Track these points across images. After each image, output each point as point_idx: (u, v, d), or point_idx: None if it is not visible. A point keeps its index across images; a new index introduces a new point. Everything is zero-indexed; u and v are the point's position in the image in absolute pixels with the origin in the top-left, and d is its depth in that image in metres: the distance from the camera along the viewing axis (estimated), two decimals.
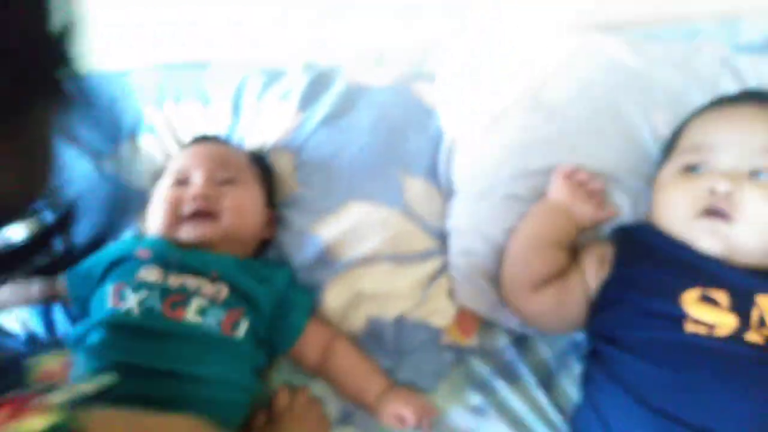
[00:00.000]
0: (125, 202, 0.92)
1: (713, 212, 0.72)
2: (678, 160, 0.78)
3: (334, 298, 0.85)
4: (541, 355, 0.84)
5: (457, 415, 0.79)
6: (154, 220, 0.86)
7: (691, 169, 0.76)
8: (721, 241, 0.71)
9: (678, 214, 0.75)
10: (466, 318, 0.87)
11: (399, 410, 0.77)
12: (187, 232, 0.82)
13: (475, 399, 0.81)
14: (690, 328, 0.67)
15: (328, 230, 0.89)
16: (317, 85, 1.05)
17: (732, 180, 0.71)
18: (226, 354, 0.76)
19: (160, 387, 0.72)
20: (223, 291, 0.78)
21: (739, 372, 0.64)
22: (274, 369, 0.84)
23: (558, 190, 0.84)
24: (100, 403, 0.58)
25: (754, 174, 0.72)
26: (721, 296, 0.68)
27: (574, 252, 0.83)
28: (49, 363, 0.57)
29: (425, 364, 0.84)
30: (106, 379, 0.62)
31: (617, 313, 0.73)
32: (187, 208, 0.83)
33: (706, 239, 0.72)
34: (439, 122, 1.03)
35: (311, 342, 0.82)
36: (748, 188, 0.71)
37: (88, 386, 0.60)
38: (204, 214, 0.83)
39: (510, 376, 0.83)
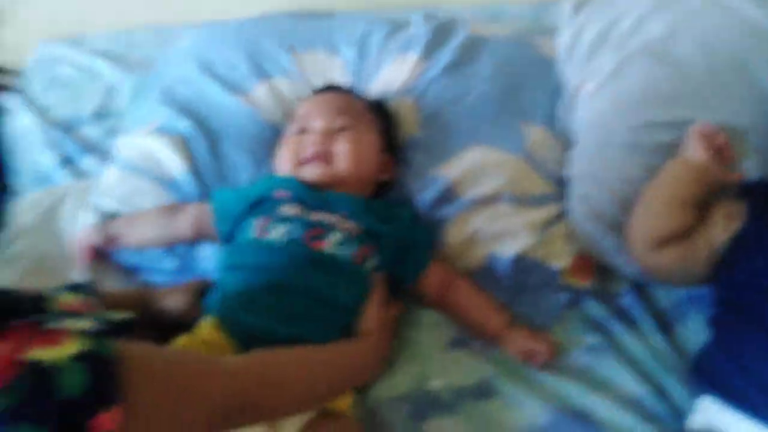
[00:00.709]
0: (260, 134, 1.00)
1: None
2: None
3: (455, 234, 0.89)
4: (659, 303, 0.85)
5: (573, 353, 0.82)
6: (281, 162, 0.93)
7: None
8: None
9: None
10: (583, 262, 0.89)
11: (529, 345, 0.81)
12: (308, 173, 0.89)
13: (592, 339, 0.83)
14: None
15: (449, 171, 0.92)
16: (439, 35, 1.09)
17: None
18: (356, 283, 0.82)
19: (295, 304, 0.79)
20: (355, 228, 0.84)
21: None
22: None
23: (696, 150, 0.83)
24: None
25: None
26: None
27: (700, 209, 0.84)
28: (68, 298, 0.59)
29: (542, 303, 0.87)
30: (128, 315, 0.64)
31: (754, 263, 0.74)
32: (307, 152, 0.90)
33: None
34: (558, 74, 1.05)
35: (432, 277, 0.87)
36: None
37: (114, 314, 0.61)
38: (320, 157, 0.89)
39: (627, 319, 0.85)
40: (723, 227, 0.79)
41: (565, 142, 0.98)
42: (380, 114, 0.98)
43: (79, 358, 0.47)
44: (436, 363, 0.82)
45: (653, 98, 0.93)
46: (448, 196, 0.91)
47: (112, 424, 0.47)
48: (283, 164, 0.92)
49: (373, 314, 0.80)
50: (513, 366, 0.82)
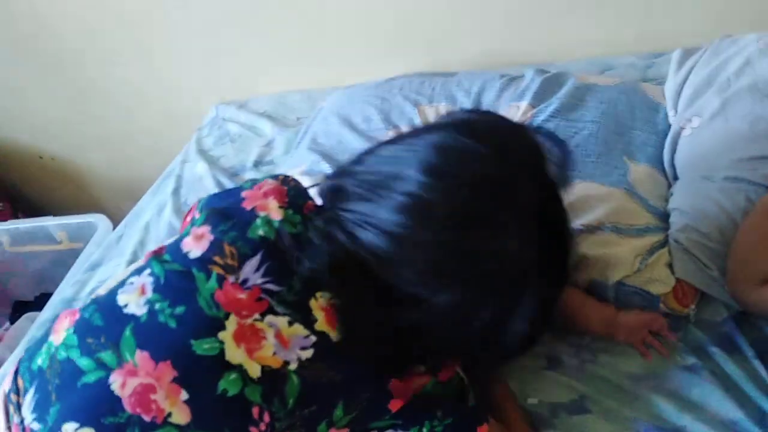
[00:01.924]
0: None
1: None
2: None
3: None
4: (760, 331, 0.86)
5: (670, 372, 0.85)
6: None
7: None
8: None
9: None
10: (685, 289, 0.91)
11: (642, 318, 0.87)
12: None
13: (690, 360, 0.85)
14: None
15: None
16: (549, 84, 1.19)
17: None
18: None
19: None
20: None
21: None
22: None
23: None
24: None
25: None
26: None
27: None
28: None
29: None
30: None
31: None
32: None
33: None
34: (664, 116, 1.11)
35: None
36: None
37: None
38: None
39: (727, 345, 0.86)
40: None
41: (671, 179, 1.03)
42: None
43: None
44: (532, 383, 0.88)
45: (756, 134, 0.96)
46: None
47: None
48: None
49: None
50: (607, 383, 0.85)
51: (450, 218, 0.62)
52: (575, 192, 1.00)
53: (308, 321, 0.64)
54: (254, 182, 0.75)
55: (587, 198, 0.99)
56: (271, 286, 0.64)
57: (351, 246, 0.64)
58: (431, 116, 1.24)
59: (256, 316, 0.63)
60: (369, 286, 0.64)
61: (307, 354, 0.63)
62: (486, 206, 0.62)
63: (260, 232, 0.67)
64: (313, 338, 0.63)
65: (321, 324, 0.64)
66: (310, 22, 1.51)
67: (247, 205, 0.70)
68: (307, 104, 1.53)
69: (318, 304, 0.64)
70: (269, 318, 0.63)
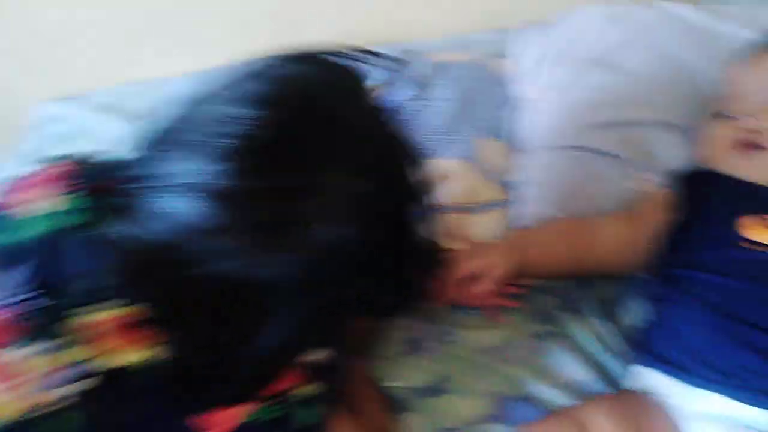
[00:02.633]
0: None
1: (749, 146, 0.80)
2: (718, 108, 0.86)
3: None
4: (603, 290, 0.89)
5: (520, 341, 0.85)
6: None
7: (724, 116, 0.84)
8: (764, 170, 0.78)
9: (719, 154, 0.83)
10: None
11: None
12: None
13: (538, 328, 0.87)
14: (746, 246, 0.73)
15: None
16: (401, 65, 1.18)
17: (762, 117, 0.79)
18: None
19: None
20: None
21: None
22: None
23: None
24: None
25: None
26: None
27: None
28: None
29: None
30: None
31: (684, 243, 0.79)
32: None
33: (748, 170, 0.79)
34: (510, 91, 1.12)
35: None
36: None
37: None
38: None
39: (572, 309, 0.88)
40: (660, 218, 0.84)
41: (517, 151, 1.05)
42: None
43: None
44: (392, 370, 0.85)
45: (600, 103, 1.00)
46: None
47: None
48: None
49: None
50: (464, 360, 0.85)
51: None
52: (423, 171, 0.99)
53: (82, 345, 0.51)
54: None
55: (436, 175, 0.98)
56: (34, 303, 0.52)
57: (152, 231, 0.49)
58: None
59: (11, 346, 0.51)
60: (178, 287, 0.50)
61: (82, 388, 0.51)
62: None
63: (25, 233, 0.55)
64: (93, 367, 0.51)
65: (104, 348, 0.52)
66: (144, 3, 1.39)
67: (11, 202, 0.57)
68: (148, 96, 1.41)
69: (97, 321, 0.52)
70: (27, 349, 0.51)
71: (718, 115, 0.85)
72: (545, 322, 0.87)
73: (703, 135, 0.88)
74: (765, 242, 0.73)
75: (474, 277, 0.83)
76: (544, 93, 1.07)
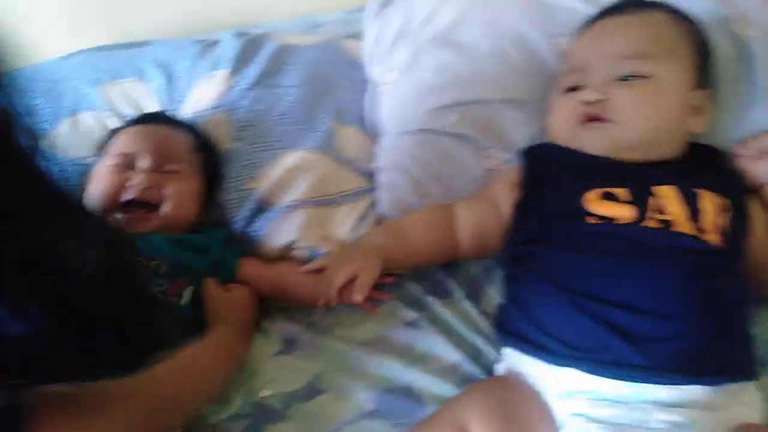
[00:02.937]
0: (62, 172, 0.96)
1: (590, 119, 0.81)
2: (560, 83, 0.88)
3: (273, 242, 0.92)
4: (467, 272, 0.91)
5: (394, 331, 0.86)
6: (92, 199, 0.88)
7: (570, 90, 0.85)
8: (605, 142, 0.80)
9: (563, 128, 0.85)
10: None
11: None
12: (124, 223, 0.86)
13: (410, 315, 0.87)
14: (592, 221, 0.75)
15: (261, 182, 0.95)
16: (248, 49, 1.10)
17: (600, 89, 0.81)
18: (169, 317, 0.80)
19: None
20: (163, 266, 0.82)
21: (639, 252, 0.72)
22: (270, 320, 0.89)
23: None
24: None
25: (622, 79, 0.80)
26: (621, 192, 0.76)
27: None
28: None
29: None
30: None
31: (532, 220, 0.81)
32: (127, 195, 0.87)
33: (591, 143, 0.81)
34: (365, 74, 1.09)
35: (253, 276, 0.90)
36: (617, 92, 0.80)
37: None
38: (142, 203, 0.87)
39: (441, 293, 0.89)
40: (509, 195, 0.85)
41: (373, 137, 1.03)
42: (207, 152, 0.97)
43: None
44: (264, 373, 0.83)
45: (444, 84, 0.99)
46: (262, 208, 0.94)
47: None
48: (94, 202, 0.88)
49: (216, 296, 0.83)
50: (339, 357, 0.84)
51: None
52: (282, 165, 0.95)
53: None
54: None
55: (295, 169, 0.95)
56: None
57: None
58: (115, 95, 1.08)
59: None
60: None
61: None
62: None
63: None
64: None
65: None
66: None
67: None
68: None
69: None
70: None
71: (561, 90, 0.88)
72: (417, 309, 0.88)
73: (550, 110, 0.90)
74: (609, 215, 0.75)
75: (350, 281, 0.81)
76: (390, 75, 1.05)
